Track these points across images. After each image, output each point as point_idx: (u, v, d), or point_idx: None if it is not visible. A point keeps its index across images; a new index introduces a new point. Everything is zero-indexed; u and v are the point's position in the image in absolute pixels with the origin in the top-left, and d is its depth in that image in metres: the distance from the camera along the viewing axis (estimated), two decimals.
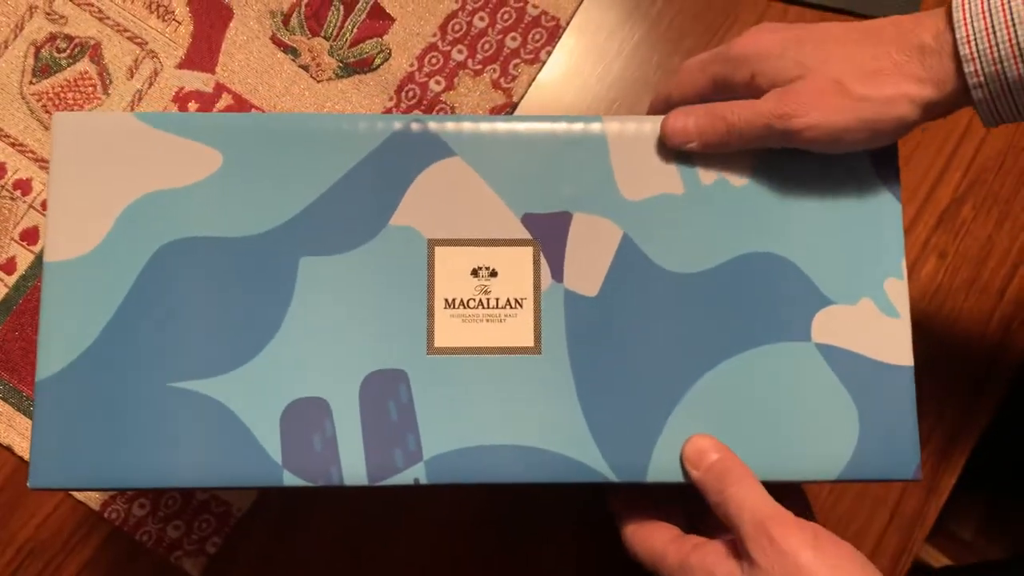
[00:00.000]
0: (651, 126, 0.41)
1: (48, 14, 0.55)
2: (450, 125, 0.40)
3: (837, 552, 0.35)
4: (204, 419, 0.38)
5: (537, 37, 0.56)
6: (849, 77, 0.37)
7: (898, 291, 0.40)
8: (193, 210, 0.39)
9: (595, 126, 0.41)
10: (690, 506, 0.42)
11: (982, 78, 0.36)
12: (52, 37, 0.55)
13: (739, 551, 0.36)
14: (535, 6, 0.56)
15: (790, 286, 0.40)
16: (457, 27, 0.56)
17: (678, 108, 0.40)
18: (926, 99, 0.37)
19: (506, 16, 0.56)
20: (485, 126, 0.40)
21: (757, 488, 0.37)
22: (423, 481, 0.38)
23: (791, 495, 0.41)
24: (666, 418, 0.39)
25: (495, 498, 0.52)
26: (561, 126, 0.41)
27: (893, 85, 0.37)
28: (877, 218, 0.41)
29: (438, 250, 0.40)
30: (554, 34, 0.56)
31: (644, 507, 0.42)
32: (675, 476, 0.39)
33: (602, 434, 0.39)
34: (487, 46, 0.56)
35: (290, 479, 0.38)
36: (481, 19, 0.56)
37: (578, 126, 0.41)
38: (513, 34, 0.56)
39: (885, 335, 0.40)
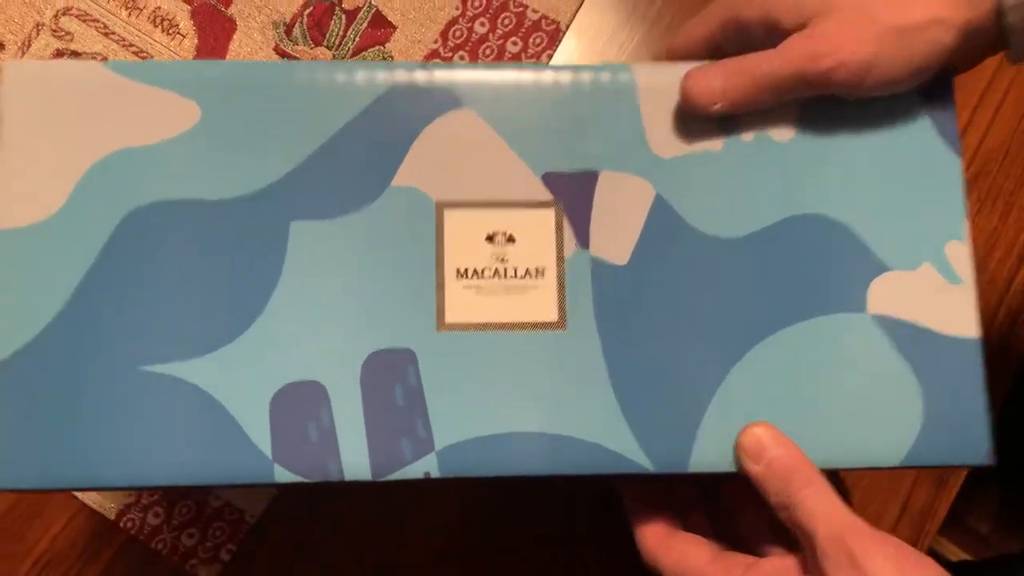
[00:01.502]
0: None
1: (54, 31, 0.56)
2: (461, 74, 0.37)
3: (922, 571, 0.32)
4: (183, 407, 0.34)
5: (538, 41, 0.56)
6: (875, 6, 0.34)
7: (961, 254, 0.37)
8: (167, 169, 0.35)
9: (623, 76, 0.37)
10: (713, 507, 0.39)
11: None
12: (59, 53, 0.55)
13: (809, 567, 0.33)
14: (535, 10, 0.57)
15: (842, 251, 0.37)
16: (458, 33, 0.56)
17: (695, 68, 0.37)
18: (960, 20, 0.34)
19: (506, 21, 0.56)
20: (500, 75, 0.37)
21: (829, 492, 0.33)
22: (434, 474, 0.34)
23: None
24: (709, 400, 0.35)
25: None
26: (586, 75, 0.37)
27: (922, 10, 0.34)
28: (935, 174, 0.37)
29: (448, 213, 0.36)
30: (554, 37, 0.57)
31: (666, 512, 0.38)
32: (722, 466, 0.35)
33: (637, 419, 0.35)
34: (488, 51, 0.56)
35: (282, 475, 0.34)
36: (482, 25, 0.56)
37: (605, 75, 0.37)
38: (514, 38, 0.56)
39: (948, 304, 0.36)
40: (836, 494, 0.33)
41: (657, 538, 0.36)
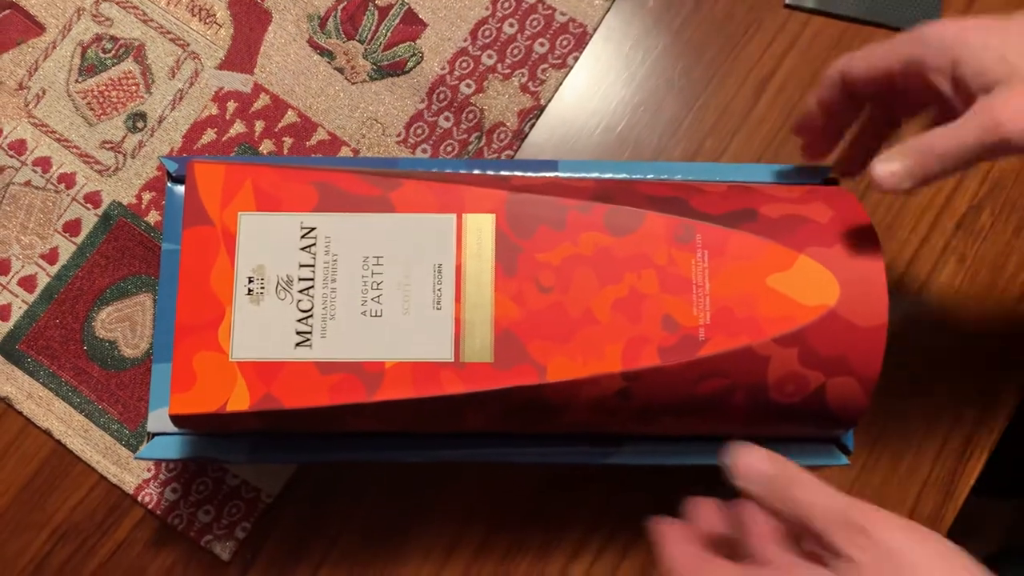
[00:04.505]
0: None
1: (95, 16, 0.57)
2: None
3: (934, 539, 0.31)
4: None
5: (564, 43, 0.58)
6: None
7: None
8: None
9: None
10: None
11: None
12: (98, 38, 0.57)
13: (823, 557, 0.32)
14: (563, 13, 0.58)
15: None
16: (487, 33, 0.58)
17: (880, 156, 0.39)
18: None
19: (535, 23, 0.58)
20: None
21: (821, 485, 0.33)
22: None
23: None
24: None
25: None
26: None
27: None
28: None
29: None
30: (581, 40, 0.58)
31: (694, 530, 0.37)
32: None
33: None
34: (516, 51, 0.57)
35: None
36: (511, 25, 0.58)
37: None
38: (541, 40, 0.58)
39: None
40: (829, 487, 0.33)
41: (687, 558, 0.35)
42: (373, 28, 0.57)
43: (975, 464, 0.54)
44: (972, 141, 0.37)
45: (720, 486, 0.53)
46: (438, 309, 0.41)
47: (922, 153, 0.38)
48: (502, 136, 0.56)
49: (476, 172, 0.47)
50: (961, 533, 0.55)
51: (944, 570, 0.30)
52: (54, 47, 0.57)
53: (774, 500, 0.34)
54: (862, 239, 0.42)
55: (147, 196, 0.55)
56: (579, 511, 0.53)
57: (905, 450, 0.54)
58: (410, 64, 0.57)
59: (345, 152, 0.56)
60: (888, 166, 0.38)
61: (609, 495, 0.53)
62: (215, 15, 0.57)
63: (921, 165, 0.38)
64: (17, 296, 0.54)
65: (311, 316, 0.41)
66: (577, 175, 0.48)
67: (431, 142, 0.56)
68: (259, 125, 0.56)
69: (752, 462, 0.35)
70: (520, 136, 0.56)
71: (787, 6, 0.59)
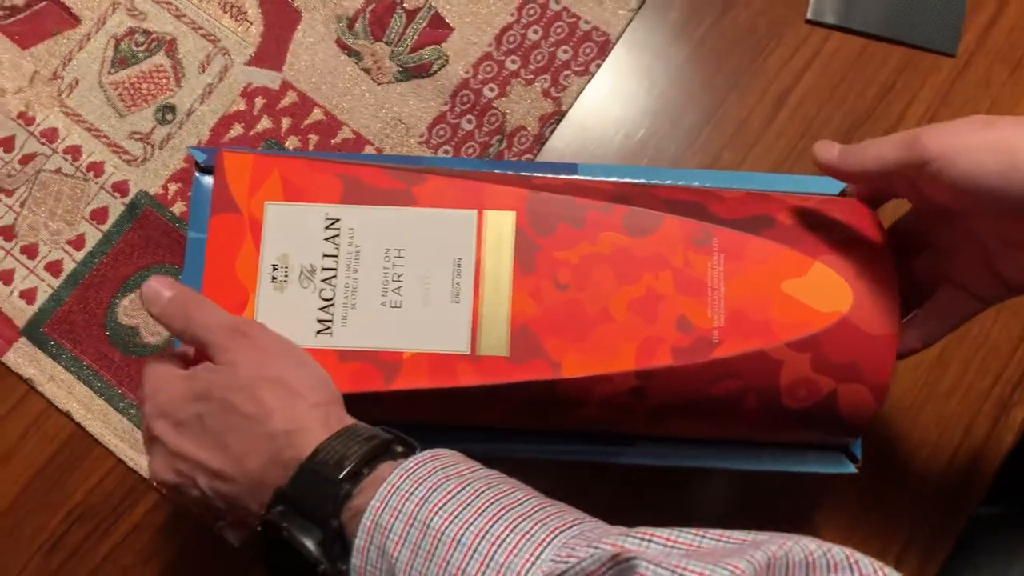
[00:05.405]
0: None
1: (129, 10, 0.58)
2: None
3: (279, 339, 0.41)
4: None
5: (587, 51, 0.59)
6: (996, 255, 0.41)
7: None
8: None
9: None
10: None
11: None
12: (131, 31, 0.58)
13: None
14: (587, 21, 0.59)
15: None
16: (512, 38, 0.59)
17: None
18: None
19: (559, 30, 0.59)
20: None
21: (218, 308, 0.41)
22: None
23: None
24: None
25: None
26: None
27: None
28: None
29: None
30: (604, 49, 0.59)
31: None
32: None
33: None
34: (539, 57, 0.58)
35: None
36: (535, 32, 0.59)
37: None
38: (565, 47, 0.59)
39: None
40: (224, 311, 0.41)
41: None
42: (400, 31, 0.59)
43: (984, 478, 0.54)
44: (894, 151, 0.40)
45: (729, 490, 0.54)
46: (456, 302, 0.42)
47: (856, 147, 0.41)
48: (523, 140, 0.57)
49: (497, 172, 0.48)
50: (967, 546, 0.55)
51: (280, 353, 0.39)
52: (88, 39, 0.58)
53: (175, 320, 0.41)
54: (876, 249, 0.43)
55: (173, 187, 0.56)
56: (587, 509, 0.53)
57: (914, 461, 0.55)
58: (435, 67, 0.58)
59: (369, 151, 0.57)
60: (827, 145, 0.42)
61: (615, 494, 0.53)
62: (246, 12, 0.59)
63: (852, 154, 0.41)
64: (43, 280, 0.55)
65: (332, 305, 0.42)
66: (596, 179, 0.49)
67: (453, 143, 0.57)
68: (285, 122, 0.57)
69: (155, 286, 0.41)
70: (540, 141, 0.57)
71: (808, 21, 0.60)
